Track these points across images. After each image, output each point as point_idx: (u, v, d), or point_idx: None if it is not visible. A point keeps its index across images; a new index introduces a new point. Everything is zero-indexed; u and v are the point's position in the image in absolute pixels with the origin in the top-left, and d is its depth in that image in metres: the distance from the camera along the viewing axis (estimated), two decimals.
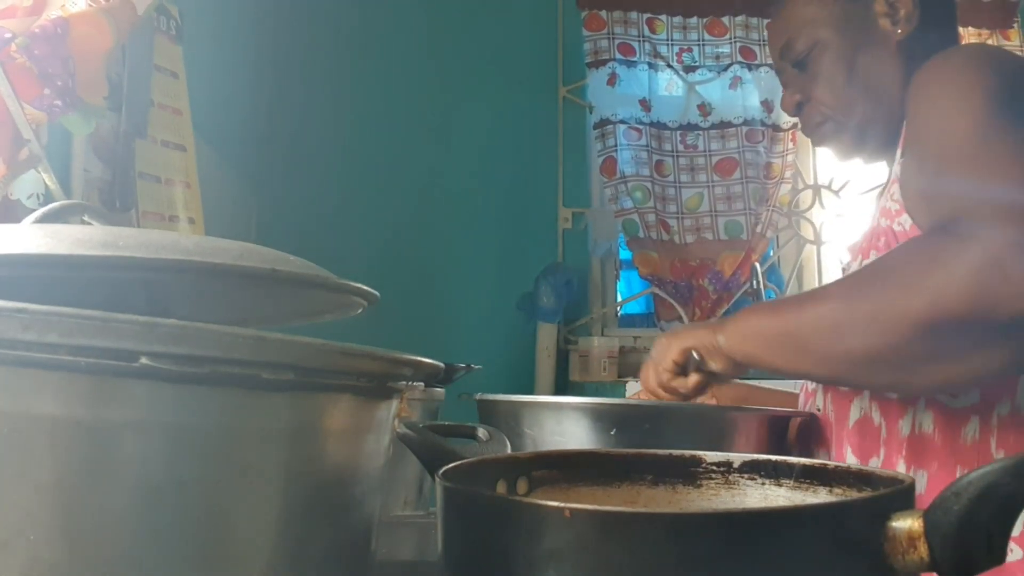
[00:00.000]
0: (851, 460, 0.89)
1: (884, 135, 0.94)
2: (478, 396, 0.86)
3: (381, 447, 0.50)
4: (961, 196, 0.71)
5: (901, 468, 0.84)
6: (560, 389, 2.50)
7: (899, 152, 0.88)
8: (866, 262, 0.89)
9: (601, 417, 0.75)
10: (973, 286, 0.64)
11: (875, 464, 0.86)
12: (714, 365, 0.81)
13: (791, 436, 0.98)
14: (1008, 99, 0.75)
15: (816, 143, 1.00)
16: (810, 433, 0.96)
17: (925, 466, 0.84)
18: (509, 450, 0.55)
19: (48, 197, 1.14)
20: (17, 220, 0.95)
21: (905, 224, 0.85)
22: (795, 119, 2.57)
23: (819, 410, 0.95)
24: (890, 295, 0.70)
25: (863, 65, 0.94)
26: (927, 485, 0.83)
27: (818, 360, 0.75)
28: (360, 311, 0.59)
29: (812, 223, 2.65)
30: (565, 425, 0.76)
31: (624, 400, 0.83)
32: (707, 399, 1.06)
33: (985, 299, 0.64)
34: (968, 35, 2.60)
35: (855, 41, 0.94)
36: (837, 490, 0.48)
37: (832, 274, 2.67)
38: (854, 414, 0.89)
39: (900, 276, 0.70)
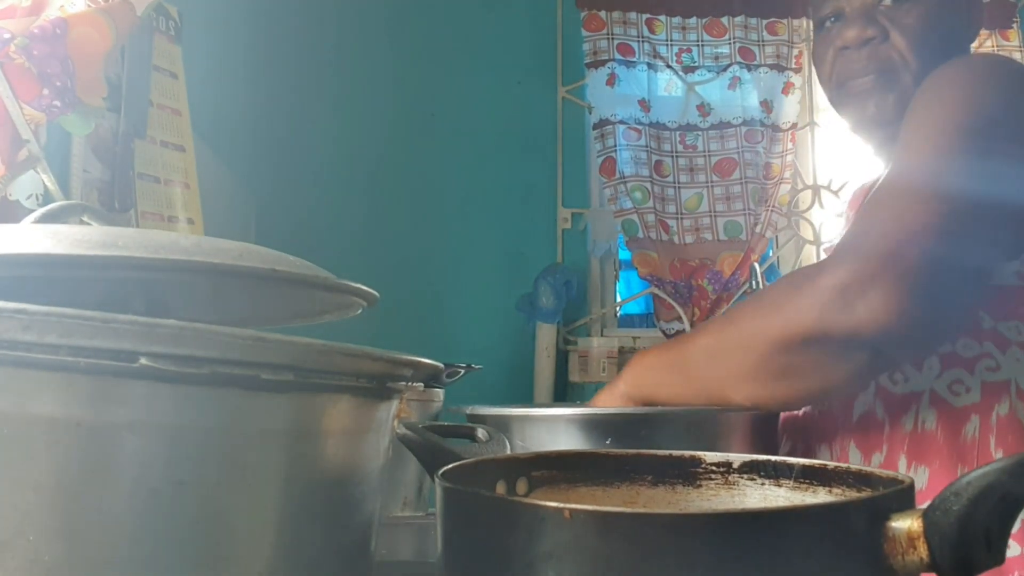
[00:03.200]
0: (854, 456, 0.89)
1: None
2: (469, 410, 0.86)
3: (381, 448, 0.50)
4: (855, 228, 0.78)
5: (903, 464, 0.85)
6: (560, 389, 2.50)
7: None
8: None
9: (595, 427, 0.75)
10: (819, 309, 0.72)
11: (877, 460, 0.88)
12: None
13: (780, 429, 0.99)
14: (982, 130, 0.78)
15: (855, 95, 0.95)
16: (812, 429, 0.96)
17: (927, 463, 0.84)
18: (509, 451, 0.55)
19: (47, 197, 1.14)
20: (16, 221, 0.95)
21: None
22: (794, 119, 2.60)
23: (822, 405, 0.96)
24: (756, 319, 0.78)
25: (949, 38, 0.92)
26: (928, 482, 0.84)
27: (700, 385, 0.81)
28: (360, 311, 0.59)
29: (811, 223, 2.65)
30: (558, 436, 0.76)
31: (616, 409, 0.83)
32: None
33: (827, 321, 0.72)
34: None
35: (953, 18, 0.93)
36: (836, 490, 0.48)
37: None
38: (858, 409, 0.90)
39: (766, 302, 0.79)
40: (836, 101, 0.99)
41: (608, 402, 0.88)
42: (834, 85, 0.98)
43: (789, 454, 0.92)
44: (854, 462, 0.88)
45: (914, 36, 0.91)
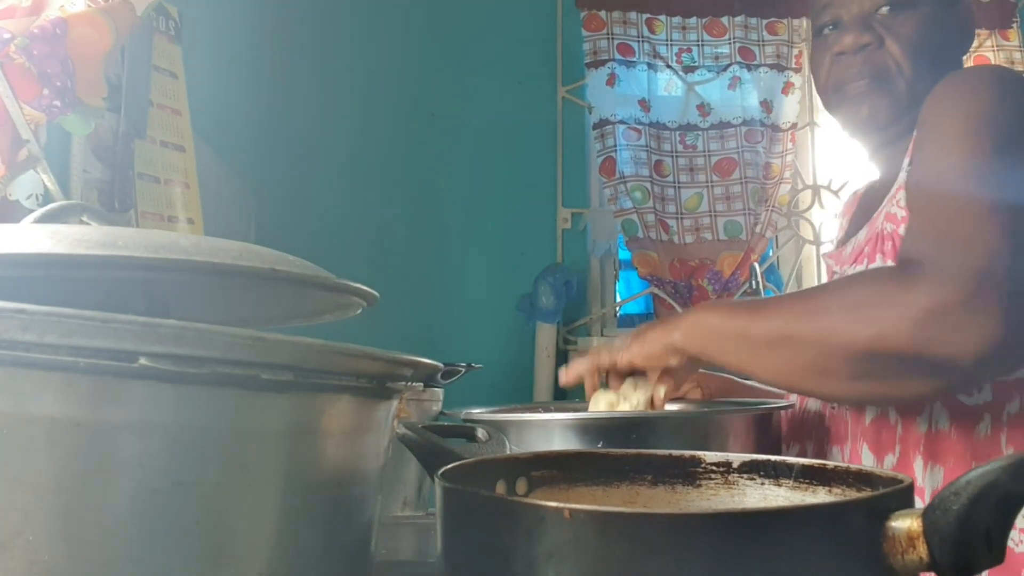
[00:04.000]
0: (867, 457, 0.90)
1: (903, 126, 0.94)
2: (464, 413, 0.86)
3: (380, 447, 0.50)
4: (929, 238, 0.76)
5: (918, 465, 0.86)
6: (559, 390, 2.49)
7: (906, 161, 0.89)
8: (872, 266, 0.90)
9: (588, 431, 0.75)
10: (916, 329, 0.70)
11: (890, 461, 0.88)
12: (672, 361, 0.83)
13: (783, 429, 0.98)
14: (1014, 138, 0.78)
15: (849, 99, 0.97)
16: (823, 430, 0.96)
17: (942, 462, 0.85)
18: (508, 450, 0.55)
19: (47, 197, 1.14)
20: (16, 221, 0.95)
21: None
22: (794, 119, 2.60)
23: (834, 408, 0.96)
24: (839, 319, 0.74)
25: (941, 48, 0.94)
26: (943, 481, 0.85)
27: (764, 365, 0.79)
28: (359, 311, 0.59)
29: (811, 223, 2.65)
30: (552, 440, 0.76)
31: (610, 412, 0.83)
32: (692, 389, 1.07)
33: (925, 343, 0.70)
34: None
35: (947, 30, 0.95)
36: (836, 490, 0.48)
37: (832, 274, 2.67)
38: (870, 412, 0.91)
39: (852, 303, 0.75)
40: (831, 105, 1.00)
41: (655, 347, 0.84)
42: (830, 90, 0.99)
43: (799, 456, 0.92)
44: (867, 464, 0.88)
45: (909, 44, 0.93)
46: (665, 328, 0.84)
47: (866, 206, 1.03)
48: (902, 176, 0.89)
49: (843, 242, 1.04)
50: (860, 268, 0.93)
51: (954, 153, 0.79)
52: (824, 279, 1.10)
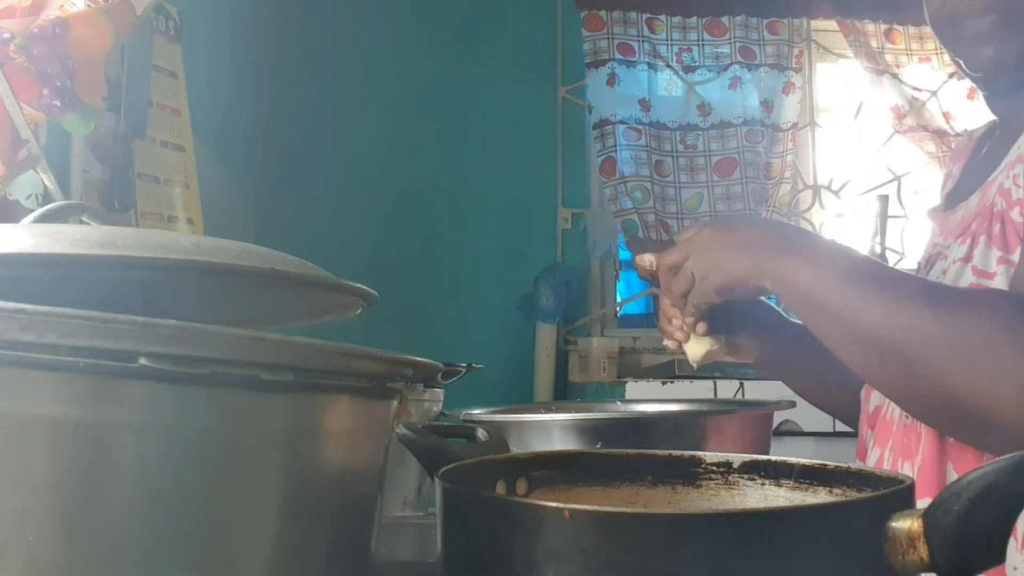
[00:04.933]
0: (950, 475, 0.80)
1: None
2: (463, 414, 0.86)
3: (380, 448, 0.50)
4: None
5: None
6: (559, 390, 2.50)
7: None
8: (976, 249, 0.78)
9: (588, 431, 0.75)
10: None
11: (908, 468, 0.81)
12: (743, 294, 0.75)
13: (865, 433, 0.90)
14: None
15: (970, 37, 0.80)
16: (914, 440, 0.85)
17: None
18: (509, 451, 0.55)
19: (47, 197, 1.14)
20: (16, 220, 0.95)
21: None
22: (795, 119, 2.60)
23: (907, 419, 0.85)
24: (958, 367, 0.64)
25: None
26: None
27: (856, 360, 0.70)
28: (360, 311, 0.59)
29: (812, 223, 2.65)
30: (552, 441, 0.76)
31: (608, 413, 0.83)
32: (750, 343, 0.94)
33: None
34: None
35: None
36: (837, 490, 0.48)
37: None
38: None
39: (971, 349, 0.64)
40: (945, 40, 0.84)
41: (740, 290, 0.75)
42: (945, 22, 0.82)
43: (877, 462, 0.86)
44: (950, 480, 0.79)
45: None
46: (753, 263, 0.73)
47: (982, 160, 0.89)
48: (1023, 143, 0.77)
49: (952, 202, 0.89)
50: (963, 250, 0.80)
51: None
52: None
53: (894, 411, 0.87)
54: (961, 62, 0.84)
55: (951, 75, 2.56)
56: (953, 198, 0.90)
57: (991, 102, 0.87)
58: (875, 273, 0.71)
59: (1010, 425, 0.63)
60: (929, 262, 0.90)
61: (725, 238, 0.77)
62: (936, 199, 0.98)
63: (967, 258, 0.79)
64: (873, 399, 0.92)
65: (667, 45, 2.65)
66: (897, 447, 0.85)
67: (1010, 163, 0.78)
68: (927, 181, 2.54)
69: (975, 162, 0.91)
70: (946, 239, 0.85)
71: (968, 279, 0.78)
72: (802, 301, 0.71)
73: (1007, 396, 0.62)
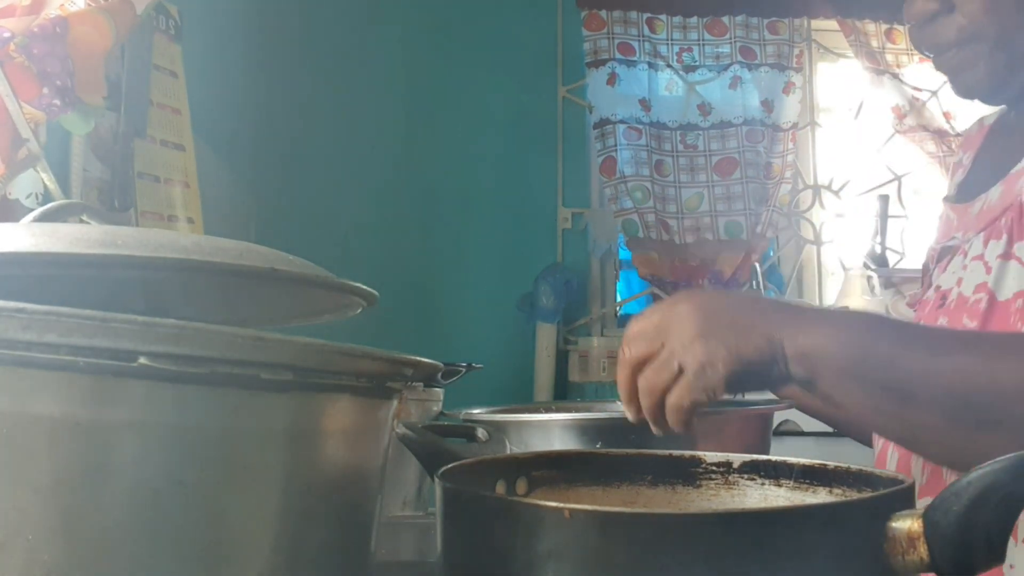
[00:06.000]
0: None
1: None
2: (463, 414, 0.86)
3: (380, 447, 0.50)
4: None
5: None
6: (559, 389, 2.50)
7: None
8: (998, 249, 0.76)
9: (588, 431, 0.75)
10: None
11: None
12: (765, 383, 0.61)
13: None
14: None
15: (947, 70, 0.83)
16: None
17: None
18: (508, 450, 0.55)
19: (47, 196, 1.14)
20: (16, 219, 0.95)
21: None
22: (795, 119, 2.60)
23: None
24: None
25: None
26: None
27: (900, 431, 0.62)
28: (360, 311, 0.59)
29: (812, 223, 2.64)
30: (552, 441, 0.76)
31: (608, 413, 0.82)
32: None
33: None
34: None
35: None
36: (837, 490, 0.48)
37: (833, 274, 2.67)
38: None
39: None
40: (937, 67, 0.85)
41: (756, 366, 0.58)
42: (928, 56, 0.85)
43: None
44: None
45: (982, 3, 0.79)
46: (770, 332, 0.58)
47: (1001, 147, 0.87)
48: None
49: (968, 193, 0.87)
50: (996, 245, 0.76)
51: None
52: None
53: None
54: (955, 90, 0.84)
55: None
56: (968, 188, 0.88)
57: (1013, 107, 0.87)
58: (924, 332, 0.63)
59: None
60: (942, 256, 0.87)
61: (720, 311, 0.60)
62: (937, 192, 0.97)
63: (1006, 255, 0.75)
64: None
65: (667, 45, 2.65)
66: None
67: None
68: (927, 181, 2.53)
69: (990, 151, 0.90)
70: (965, 233, 0.83)
71: (1013, 274, 0.74)
72: (835, 373, 0.58)
73: None
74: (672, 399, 0.58)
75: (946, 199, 0.92)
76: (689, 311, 0.60)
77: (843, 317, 0.64)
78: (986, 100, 0.86)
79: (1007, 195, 0.78)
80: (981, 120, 0.97)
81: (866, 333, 0.60)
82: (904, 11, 0.86)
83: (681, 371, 0.58)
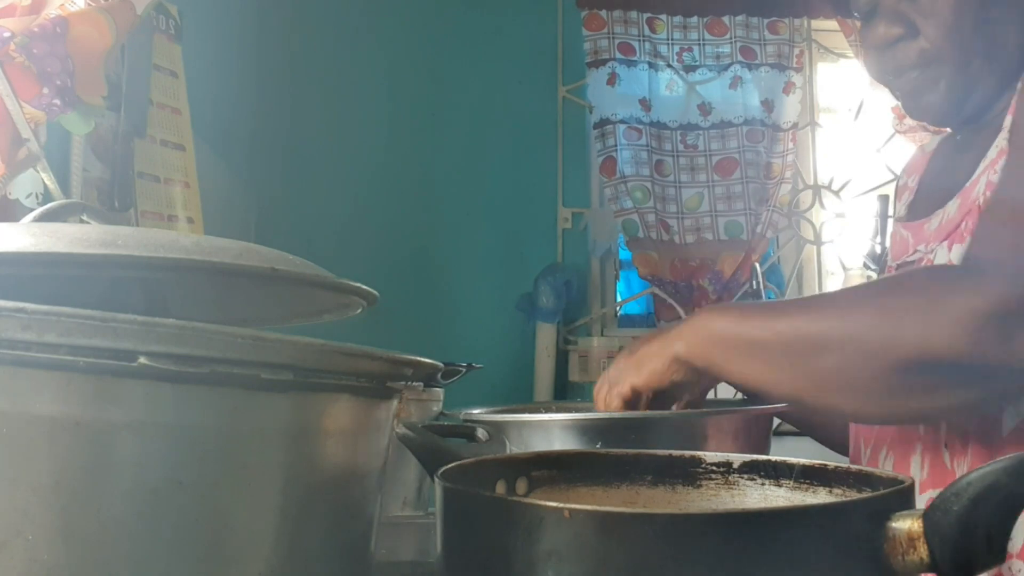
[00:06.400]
0: (957, 465, 0.80)
1: (985, 99, 0.84)
2: (463, 414, 0.86)
3: (380, 447, 0.50)
4: (1001, 241, 0.69)
5: None
6: (559, 389, 2.50)
7: (1008, 120, 0.80)
8: (962, 250, 0.81)
9: (588, 431, 0.74)
10: (971, 334, 0.63)
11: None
12: (676, 377, 0.75)
13: (855, 445, 0.90)
14: None
15: (903, 95, 0.87)
16: (898, 439, 0.86)
17: None
18: (508, 450, 0.55)
19: (47, 196, 1.14)
20: (16, 219, 0.95)
21: None
22: (795, 119, 2.60)
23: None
24: (884, 326, 0.67)
25: (988, 19, 0.82)
26: None
27: (782, 377, 0.71)
28: (360, 311, 0.59)
29: (812, 223, 2.64)
30: (552, 441, 0.76)
31: (608, 413, 0.82)
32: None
33: (978, 348, 0.63)
34: None
35: None
36: (837, 490, 0.48)
37: (833, 274, 2.67)
38: (1009, 422, 0.78)
39: (897, 306, 0.68)
40: (893, 95, 0.91)
41: (656, 364, 0.74)
42: (885, 82, 0.90)
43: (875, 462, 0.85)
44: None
45: (945, 26, 0.82)
46: (665, 339, 0.75)
47: (950, 168, 0.91)
48: (1002, 141, 0.79)
49: (920, 211, 0.91)
50: (960, 248, 0.81)
51: None
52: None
53: None
54: (912, 116, 0.90)
55: None
56: (918, 208, 0.94)
57: (962, 137, 0.91)
58: (777, 301, 0.75)
59: (955, 364, 0.64)
60: (903, 269, 0.90)
61: (633, 350, 0.78)
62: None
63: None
64: None
65: (668, 44, 2.65)
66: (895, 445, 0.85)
67: (992, 160, 0.80)
68: None
69: (935, 173, 0.95)
70: (928, 245, 0.87)
71: None
72: (715, 343, 0.72)
73: (946, 334, 0.63)
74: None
75: (898, 219, 0.97)
76: (638, 343, 0.78)
77: (709, 312, 0.76)
78: (938, 123, 0.90)
79: (964, 204, 0.82)
80: (922, 148, 1.02)
81: (723, 318, 0.73)
82: (861, 38, 0.90)
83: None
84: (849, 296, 0.74)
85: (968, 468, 0.78)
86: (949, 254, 0.82)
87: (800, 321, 0.70)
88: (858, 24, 0.91)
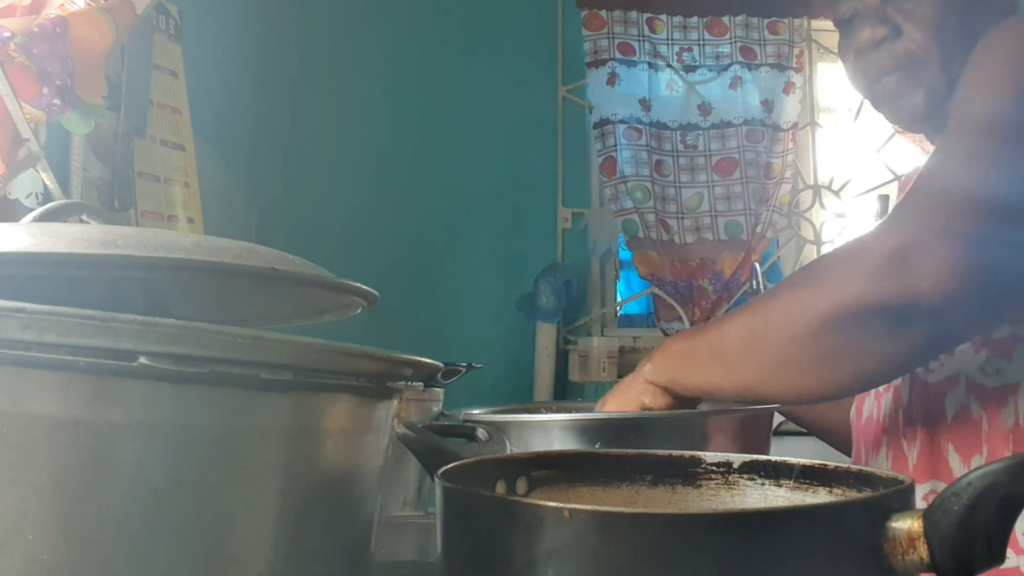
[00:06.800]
0: (952, 459, 0.82)
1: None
2: (463, 414, 0.86)
3: (380, 447, 0.50)
4: (910, 205, 0.71)
5: None
6: (560, 389, 2.50)
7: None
8: None
9: (587, 431, 0.75)
10: (868, 277, 0.65)
11: (977, 462, 0.81)
12: (646, 400, 0.80)
13: (861, 445, 0.92)
14: None
15: (884, 97, 0.89)
16: (902, 432, 0.88)
17: None
18: (508, 450, 0.55)
19: (47, 196, 1.14)
20: (16, 219, 0.95)
21: None
22: (795, 119, 2.60)
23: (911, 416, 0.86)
24: (799, 294, 0.71)
25: (970, 22, 0.84)
26: None
27: (734, 376, 0.75)
28: (360, 311, 0.59)
29: (812, 223, 2.64)
30: (552, 441, 0.76)
31: (608, 413, 0.82)
32: None
33: (880, 290, 0.65)
34: None
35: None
36: (837, 490, 0.48)
37: None
38: (951, 408, 0.83)
39: (810, 275, 0.72)
40: (871, 102, 0.93)
41: (628, 391, 0.81)
42: (863, 89, 0.92)
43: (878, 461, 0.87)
44: (954, 467, 0.81)
45: (929, 26, 0.84)
46: (638, 369, 0.81)
47: None
48: None
49: None
50: None
51: (961, 134, 0.73)
52: None
53: (885, 414, 0.87)
54: (891, 121, 0.92)
55: None
56: None
57: (932, 138, 0.92)
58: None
59: (865, 311, 0.66)
60: None
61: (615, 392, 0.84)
62: None
63: None
64: (864, 411, 0.92)
65: (668, 45, 2.65)
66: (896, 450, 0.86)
67: None
68: None
69: None
70: None
71: None
72: (675, 360, 0.79)
73: (851, 285, 0.66)
74: None
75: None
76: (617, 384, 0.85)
77: (669, 339, 0.83)
78: (916, 126, 0.91)
79: None
80: (908, 175, 1.05)
81: (681, 339, 0.81)
82: (843, 43, 0.92)
83: None
84: (780, 282, 0.79)
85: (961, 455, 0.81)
86: None
87: (740, 317, 0.75)
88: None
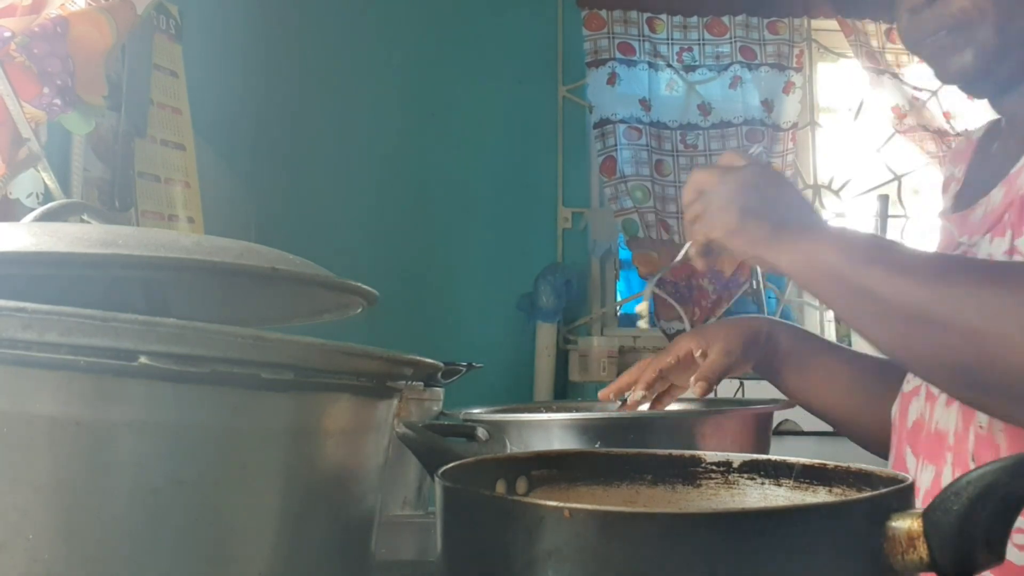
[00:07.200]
0: None
1: (1016, 66, 0.81)
2: (463, 414, 0.86)
3: (380, 447, 0.50)
4: None
5: None
6: (560, 389, 2.50)
7: None
8: (1019, 239, 0.77)
9: (587, 431, 0.75)
10: None
11: None
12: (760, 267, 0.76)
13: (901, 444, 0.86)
14: None
15: (932, 55, 0.84)
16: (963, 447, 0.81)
17: None
18: (508, 450, 0.55)
19: (47, 196, 1.14)
20: (16, 219, 0.95)
21: None
22: (795, 119, 2.60)
23: (981, 428, 0.78)
24: (1012, 327, 0.62)
25: None
26: None
27: (891, 339, 0.69)
28: (360, 311, 0.59)
29: None
30: (552, 441, 0.76)
31: (608, 413, 0.82)
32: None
33: None
34: None
35: None
36: (837, 490, 0.48)
37: None
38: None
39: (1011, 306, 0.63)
40: (921, 58, 0.87)
41: (738, 239, 0.77)
42: (911, 47, 0.87)
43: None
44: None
45: None
46: (765, 244, 0.75)
47: (994, 155, 0.88)
48: None
49: (966, 202, 0.88)
50: (1001, 241, 0.78)
51: None
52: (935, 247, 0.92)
53: (939, 422, 0.81)
54: (942, 80, 0.86)
55: None
56: (965, 198, 0.89)
57: (995, 102, 0.87)
58: (892, 250, 0.73)
59: None
60: None
61: (747, 200, 0.78)
62: (937, 202, 0.96)
63: (1011, 251, 0.77)
64: (911, 413, 0.86)
65: (668, 44, 2.65)
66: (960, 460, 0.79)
67: None
68: (927, 181, 2.53)
69: (982, 161, 0.91)
70: (971, 237, 0.84)
71: None
72: (823, 279, 0.72)
73: None
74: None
75: (942, 214, 0.93)
76: (731, 188, 0.79)
77: (816, 236, 0.75)
78: (968, 89, 0.86)
79: (1009, 193, 0.79)
80: (968, 134, 0.98)
81: (835, 254, 0.71)
82: (896, 1, 0.86)
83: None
84: (972, 277, 0.68)
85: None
86: (990, 247, 0.79)
87: (923, 294, 0.67)
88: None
